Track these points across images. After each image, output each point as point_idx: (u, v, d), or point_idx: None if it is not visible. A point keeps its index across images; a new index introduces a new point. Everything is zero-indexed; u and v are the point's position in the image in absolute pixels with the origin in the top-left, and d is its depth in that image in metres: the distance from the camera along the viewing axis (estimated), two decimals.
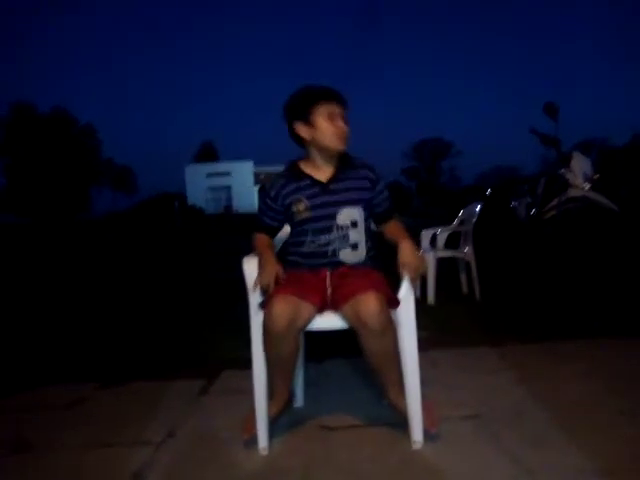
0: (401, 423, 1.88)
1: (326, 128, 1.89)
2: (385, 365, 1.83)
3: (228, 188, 53.15)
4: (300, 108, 1.91)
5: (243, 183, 52.89)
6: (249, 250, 2.00)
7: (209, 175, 53.64)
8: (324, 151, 1.94)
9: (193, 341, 3.35)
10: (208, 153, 63.80)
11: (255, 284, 1.80)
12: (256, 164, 54.29)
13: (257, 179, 53.68)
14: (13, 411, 2.37)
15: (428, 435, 1.82)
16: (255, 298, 1.85)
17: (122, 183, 49.99)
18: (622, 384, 2.25)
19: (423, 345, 1.89)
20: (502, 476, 1.61)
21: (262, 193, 2.05)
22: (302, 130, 1.92)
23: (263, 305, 1.79)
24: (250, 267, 1.88)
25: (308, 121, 1.90)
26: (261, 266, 1.84)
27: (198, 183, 52.44)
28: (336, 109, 1.90)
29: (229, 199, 51.83)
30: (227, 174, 53.57)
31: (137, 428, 2.06)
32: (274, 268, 1.82)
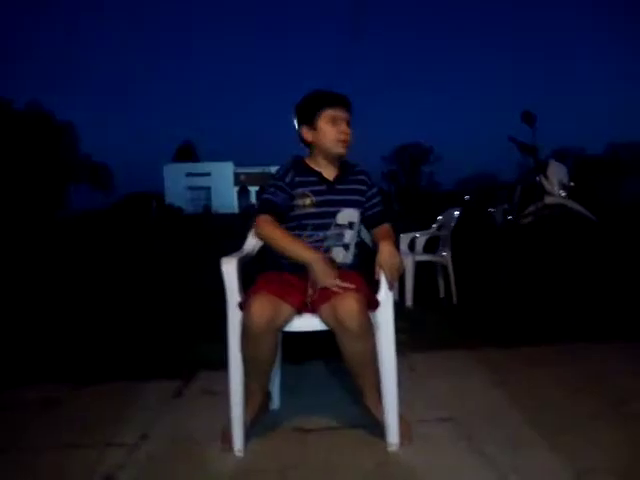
0: (377, 425, 1.88)
1: (328, 132, 1.96)
2: (363, 367, 1.84)
3: (208, 189, 52.76)
4: (306, 112, 2.00)
5: (223, 184, 52.60)
6: (226, 251, 1.98)
7: (188, 175, 53.19)
8: (326, 154, 2.00)
9: (168, 341, 3.31)
10: (187, 153, 63.18)
11: (320, 283, 1.78)
12: (236, 165, 54.01)
13: (237, 180, 53.40)
14: None
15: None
16: (233, 298, 1.83)
17: (98, 181, 49.00)
18: (597, 387, 2.29)
19: (400, 348, 1.89)
20: (476, 478, 1.62)
21: (273, 179, 2.01)
22: (306, 133, 2.00)
23: (242, 306, 1.78)
24: (228, 267, 1.86)
25: (312, 125, 1.98)
26: (316, 262, 1.81)
27: (177, 182, 51.96)
28: (340, 114, 1.96)
29: (208, 199, 51.44)
30: (207, 174, 53.19)
31: (110, 430, 2.02)
32: (330, 265, 1.83)
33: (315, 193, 1.97)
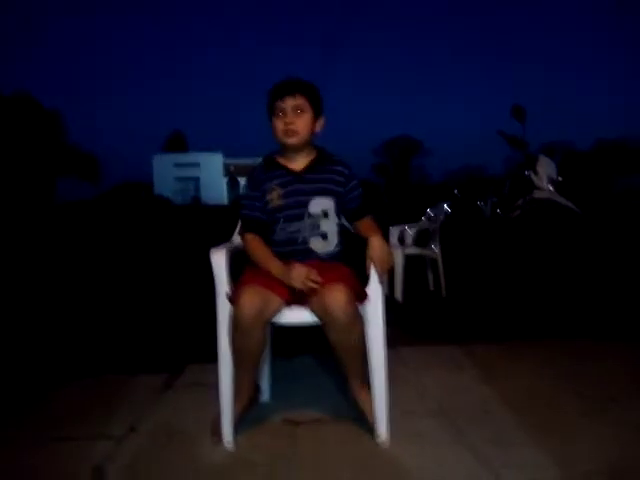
0: (366, 418, 1.89)
1: (275, 126, 1.96)
2: (350, 358, 1.84)
3: (196, 179, 52.35)
4: (267, 109, 1.99)
5: (212, 174, 52.20)
6: (216, 241, 1.97)
7: (177, 165, 52.69)
8: (285, 147, 1.99)
9: (157, 334, 3.30)
10: (176, 143, 62.53)
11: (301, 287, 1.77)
12: (226, 156, 53.63)
13: (227, 171, 53.06)
14: None
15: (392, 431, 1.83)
16: (223, 289, 1.83)
17: (86, 172, 48.24)
18: (586, 384, 2.29)
19: (390, 341, 1.90)
20: (465, 473, 1.63)
21: (245, 189, 2.05)
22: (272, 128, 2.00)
23: (231, 298, 1.78)
24: (218, 259, 1.85)
25: (270, 120, 1.98)
26: (285, 273, 1.80)
27: (166, 173, 51.43)
28: (284, 104, 1.92)
29: (197, 190, 51.03)
30: (196, 165, 52.76)
31: (98, 422, 2.01)
32: (300, 269, 1.80)
33: (282, 185, 1.96)
